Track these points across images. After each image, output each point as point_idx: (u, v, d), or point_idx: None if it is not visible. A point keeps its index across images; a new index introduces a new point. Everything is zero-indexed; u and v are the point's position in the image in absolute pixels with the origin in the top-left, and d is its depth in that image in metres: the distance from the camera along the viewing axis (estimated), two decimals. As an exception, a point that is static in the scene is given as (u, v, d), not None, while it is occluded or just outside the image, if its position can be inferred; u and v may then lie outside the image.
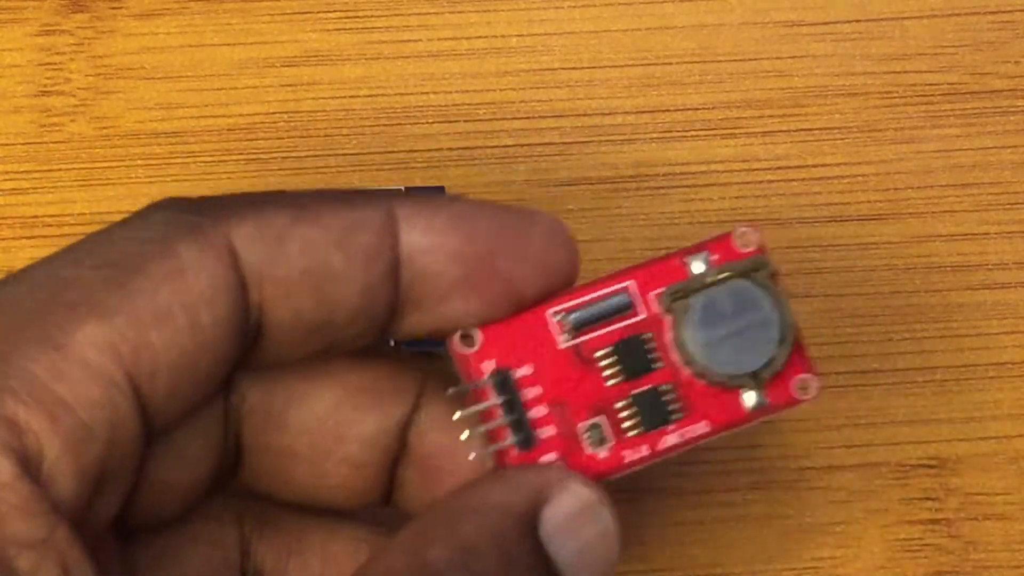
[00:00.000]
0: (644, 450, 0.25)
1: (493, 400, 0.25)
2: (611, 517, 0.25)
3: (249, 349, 0.24)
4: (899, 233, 0.34)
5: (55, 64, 0.35)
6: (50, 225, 0.34)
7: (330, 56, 0.36)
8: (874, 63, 0.36)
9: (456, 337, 0.25)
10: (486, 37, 0.36)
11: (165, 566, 0.25)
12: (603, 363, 0.26)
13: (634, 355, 0.26)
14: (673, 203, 0.34)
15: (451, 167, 0.35)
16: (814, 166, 0.35)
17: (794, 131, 0.35)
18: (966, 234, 0.34)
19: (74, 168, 0.35)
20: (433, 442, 0.26)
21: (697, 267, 0.26)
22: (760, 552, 0.32)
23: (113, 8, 0.36)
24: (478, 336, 0.25)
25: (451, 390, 0.25)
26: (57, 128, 0.35)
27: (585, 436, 0.25)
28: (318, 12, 0.36)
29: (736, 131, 0.35)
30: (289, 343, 0.25)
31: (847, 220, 0.34)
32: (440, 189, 0.34)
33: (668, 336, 0.26)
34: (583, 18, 0.36)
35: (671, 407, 0.26)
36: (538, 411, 0.25)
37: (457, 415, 0.25)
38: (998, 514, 0.32)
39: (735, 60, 0.36)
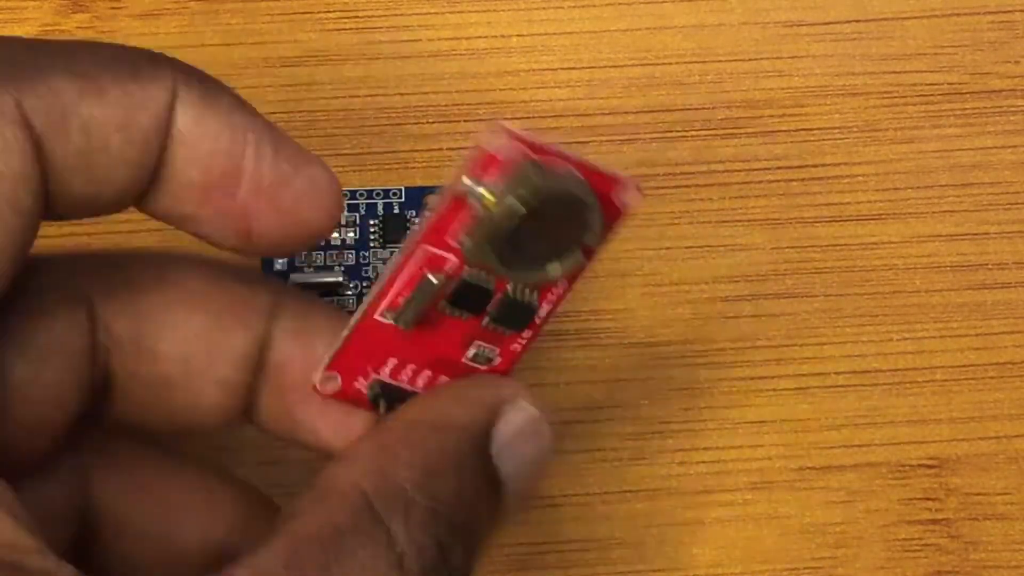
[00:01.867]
0: (527, 334, 0.26)
1: (383, 406, 0.26)
2: (550, 432, 0.26)
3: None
4: (899, 233, 0.34)
5: (55, 64, 0.35)
6: (50, 225, 0.34)
7: (330, 56, 0.36)
8: (874, 63, 0.36)
9: (317, 384, 0.26)
10: (486, 37, 0.36)
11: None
12: (449, 313, 0.25)
13: (470, 296, 0.25)
14: (673, 203, 0.34)
15: (451, 167, 0.35)
16: (814, 166, 0.35)
17: (794, 131, 0.35)
18: (966, 234, 0.34)
19: (74, 168, 0.35)
20: (287, 355, 0.26)
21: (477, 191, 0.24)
22: (760, 552, 0.32)
23: (113, 8, 0.36)
24: (336, 378, 0.26)
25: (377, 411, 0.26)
26: (57, 128, 0.35)
27: (473, 364, 0.26)
28: (318, 12, 0.36)
29: (736, 131, 0.35)
30: (51, 211, 0.25)
31: (847, 220, 0.34)
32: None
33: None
34: (583, 18, 0.36)
35: (525, 300, 0.25)
36: (423, 378, 0.26)
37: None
38: (998, 514, 0.32)
39: (735, 60, 0.36)
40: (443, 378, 0.26)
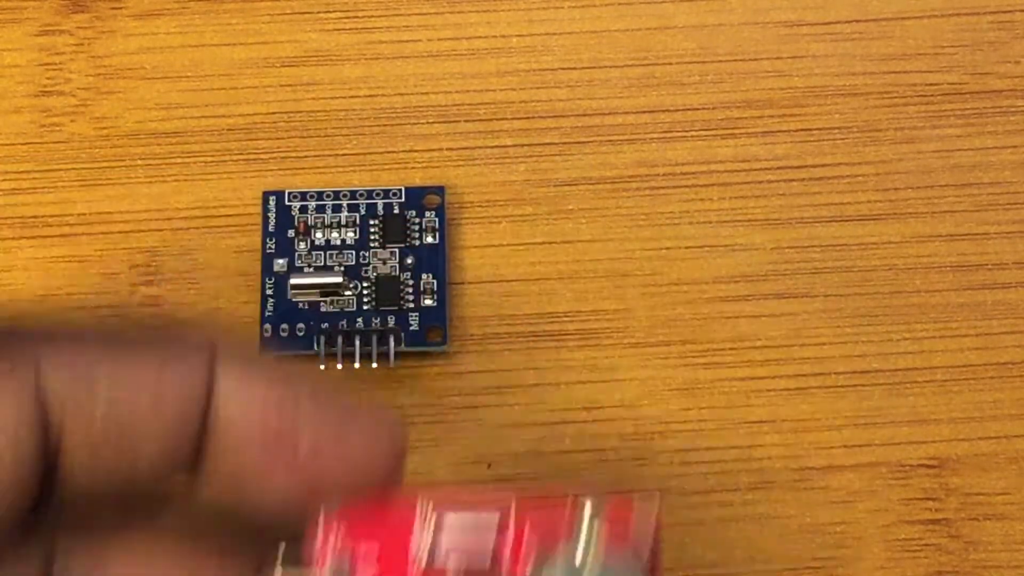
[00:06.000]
0: None
1: None
2: None
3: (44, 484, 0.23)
4: (899, 233, 0.34)
5: (55, 64, 0.35)
6: (50, 225, 0.34)
7: (330, 56, 0.36)
8: (874, 63, 0.36)
9: (322, 509, 0.23)
10: (486, 37, 0.36)
11: None
12: None
13: None
14: (673, 203, 0.34)
15: (451, 167, 0.35)
16: (814, 166, 0.35)
17: (794, 131, 0.35)
18: (966, 234, 0.34)
19: (74, 168, 0.35)
20: (232, 401, 0.24)
21: (588, 511, 0.22)
22: (760, 552, 0.32)
23: (113, 8, 0.36)
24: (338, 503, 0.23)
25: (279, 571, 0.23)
26: (57, 128, 0.35)
27: None
28: (318, 12, 0.36)
29: (736, 131, 0.35)
30: (85, 474, 0.23)
31: (847, 220, 0.34)
32: (440, 189, 0.34)
33: None
34: (583, 18, 0.36)
35: None
36: None
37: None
38: (998, 514, 0.32)
39: (735, 60, 0.36)
40: None
